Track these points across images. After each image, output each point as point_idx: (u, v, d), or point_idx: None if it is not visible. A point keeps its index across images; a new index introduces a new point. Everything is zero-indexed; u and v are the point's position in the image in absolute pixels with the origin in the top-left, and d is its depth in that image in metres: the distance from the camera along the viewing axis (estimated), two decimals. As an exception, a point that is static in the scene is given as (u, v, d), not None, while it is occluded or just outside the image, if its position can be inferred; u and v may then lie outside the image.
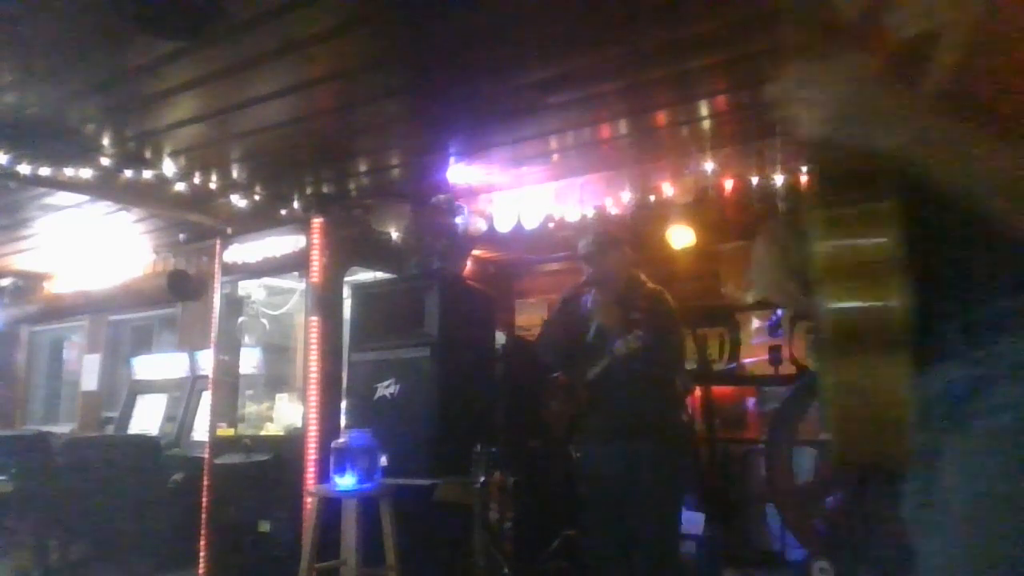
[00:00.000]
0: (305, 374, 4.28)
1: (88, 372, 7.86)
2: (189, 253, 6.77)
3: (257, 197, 5.13)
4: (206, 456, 4.62)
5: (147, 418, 6.41)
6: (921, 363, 0.99)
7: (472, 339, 4.30)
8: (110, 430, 6.69)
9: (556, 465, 4.07)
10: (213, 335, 4.87)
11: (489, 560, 3.47)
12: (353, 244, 4.64)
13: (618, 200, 4.76)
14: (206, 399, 5.18)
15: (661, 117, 4.12)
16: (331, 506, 3.62)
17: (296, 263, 4.47)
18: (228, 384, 4.84)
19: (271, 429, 4.64)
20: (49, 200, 5.41)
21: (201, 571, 4.51)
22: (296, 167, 4.83)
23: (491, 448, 3.58)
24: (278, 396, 4.84)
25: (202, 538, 4.52)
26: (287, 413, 4.68)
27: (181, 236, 6.50)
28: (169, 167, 4.64)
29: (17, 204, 5.55)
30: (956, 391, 1.01)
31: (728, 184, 4.46)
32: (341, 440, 3.61)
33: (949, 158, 0.96)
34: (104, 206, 5.56)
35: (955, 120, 0.97)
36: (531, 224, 5.05)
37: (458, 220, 4.80)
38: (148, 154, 4.53)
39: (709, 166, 4.35)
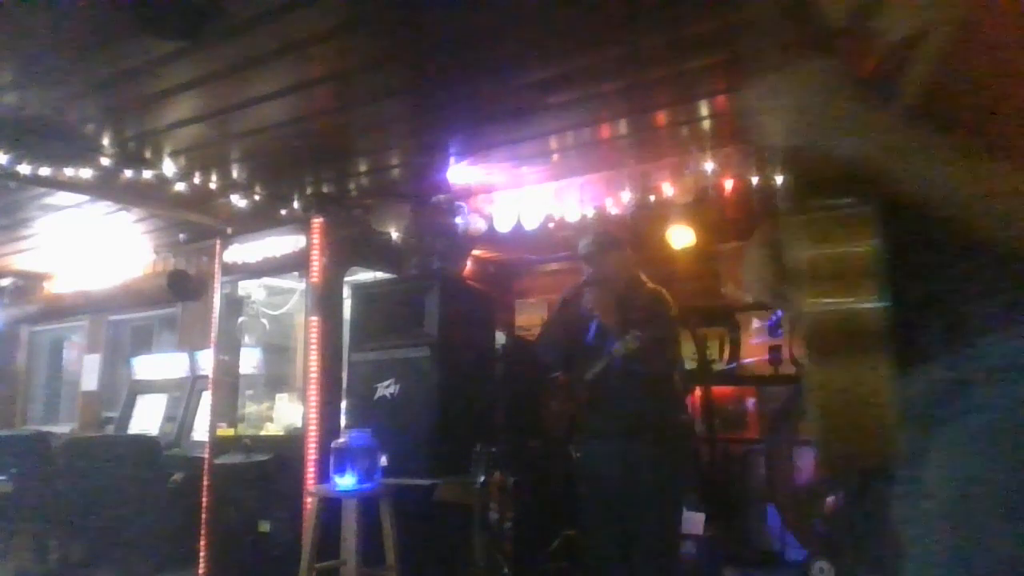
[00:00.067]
0: (305, 374, 4.28)
1: (88, 372, 7.86)
2: (189, 253, 6.77)
3: (257, 197, 5.13)
4: (206, 456, 4.62)
5: (147, 418, 6.41)
6: (904, 365, 1.00)
7: (472, 339, 4.30)
8: (110, 430, 6.69)
9: (556, 465, 4.06)
10: (213, 335, 4.87)
11: (489, 560, 3.47)
12: (353, 244, 4.64)
13: (618, 200, 4.76)
14: (206, 399, 5.18)
15: (661, 117, 4.12)
16: (331, 506, 3.62)
17: (296, 263, 4.47)
18: (228, 384, 4.84)
19: (271, 429, 4.64)
20: (49, 200, 5.41)
21: (201, 571, 4.51)
22: (296, 167, 4.83)
23: (491, 448, 3.58)
24: (278, 396, 4.84)
25: (202, 538, 4.53)
26: (287, 413, 4.68)
27: (181, 236, 6.50)
28: (169, 167, 4.64)
29: (17, 204, 5.55)
30: (937, 393, 1.02)
31: (728, 184, 4.46)
32: (341, 440, 3.61)
33: (912, 168, 0.98)
34: (104, 206, 5.56)
35: (921, 131, 0.99)
36: (531, 224, 5.05)
37: (458, 220, 4.80)
38: (148, 154, 4.53)
39: (709, 166, 4.35)
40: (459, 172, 4.80)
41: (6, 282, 8.16)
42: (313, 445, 4.11)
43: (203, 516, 4.54)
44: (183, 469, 5.25)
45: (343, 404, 4.35)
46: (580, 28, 3.16)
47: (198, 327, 6.50)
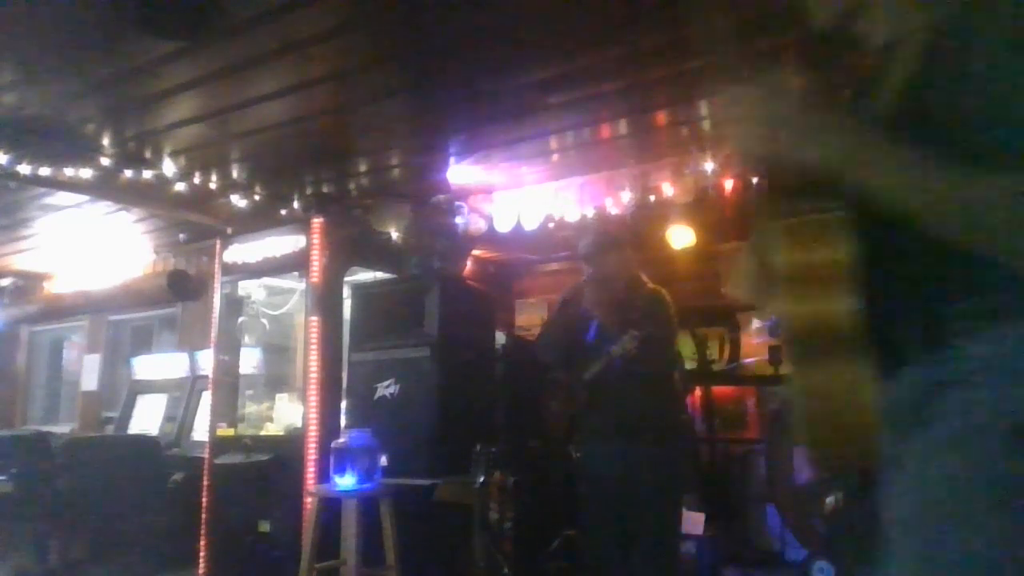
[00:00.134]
0: (305, 374, 4.28)
1: (88, 372, 7.86)
2: (189, 253, 6.77)
3: (257, 197, 5.13)
4: (206, 456, 4.63)
5: (147, 418, 6.41)
6: (884, 368, 1.02)
7: (472, 339, 4.30)
8: (110, 430, 6.69)
9: (556, 465, 4.06)
10: (213, 335, 4.88)
11: (489, 560, 3.48)
12: (353, 244, 4.64)
13: (618, 200, 4.76)
14: (206, 399, 5.18)
15: (661, 117, 4.12)
16: (331, 506, 3.62)
17: (296, 263, 4.47)
18: (228, 384, 4.84)
19: (271, 429, 4.64)
20: (49, 200, 5.41)
21: (201, 571, 4.51)
22: (296, 167, 4.83)
23: (491, 448, 3.58)
24: (278, 396, 4.85)
25: (202, 538, 4.53)
26: (287, 413, 4.68)
27: (181, 236, 6.50)
28: (169, 167, 4.64)
29: (17, 204, 5.55)
30: (916, 396, 1.03)
31: (728, 184, 4.46)
32: (341, 440, 3.61)
33: (875, 176, 1.00)
34: (104, 206, 5.56)
35: (885, 140, 1.01)
36: (531, 224, 5.05)
37: (458, 220, 4.80)
38: (148, 154, 4.53)
39: (709, 166, 4.35)
40: (459, 172, 4.80)
41: (6, 282, 8.16)
42: (313, 445, 4.11)
43: (203, 516, 4.54)
44: (183, 469, 5.25)
45: (343, 404, 4.35)
46: (580, 28, 3.16)
47: (198, 327, 6.50)
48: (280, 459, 4.25)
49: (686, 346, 5.29)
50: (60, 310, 8.13)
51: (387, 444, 3.67)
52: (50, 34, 3.19)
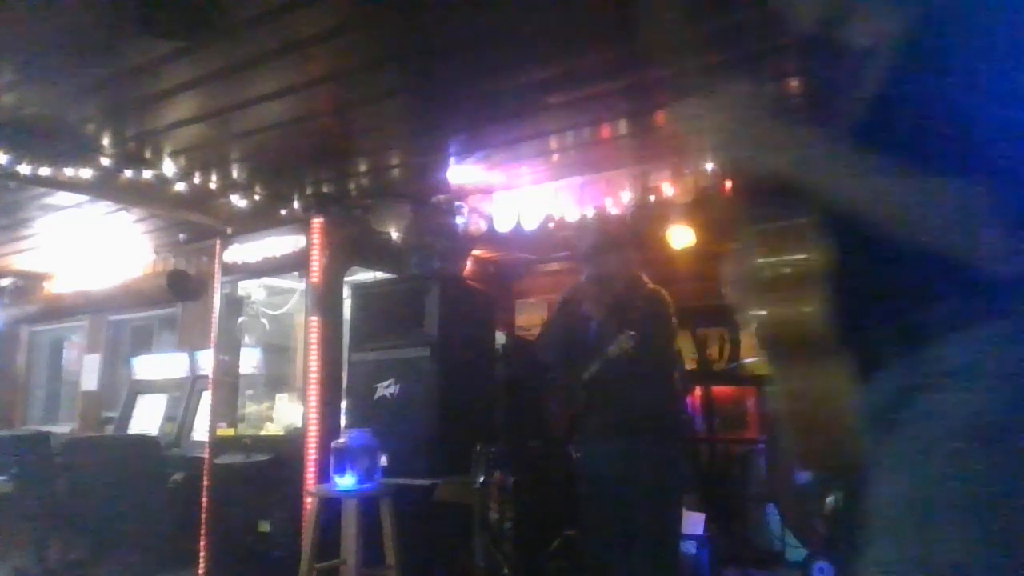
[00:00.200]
0: (305, 374, 4.28)
1: (88, 372, 7.86)
2: (189, 253, 6.77)
3: (257, 197, 5.13)
4: (206, 456, 4.63)
5: (147, 418, 6.41)
6: (860, 372, 1.04)
7: (472, 339, 4.30)
8: (110, 430, 6.69)
9: (556, 465, 4.06)
10: (213, 335, 4.88)
11: (489, 560, 3.47)
12: (353, 244, 4.65)
13: (618, 200, 4.75)
14: (206, 399, 5.18)
15: (661, 117, 4.12)
16: (331, 506, 3.62)
17: (296, 263, 4.47)
18: (228, 384, 4.84)
19: (271, 429, 4.64)
20: (49, 200, 5.41)
21: (201, 571, 4.51)
22: (296, 167, 4.83)
23: (491, 448, 3.58)
24: (278, 396, 4.84)
25: (202, 538, 4.53)
26: (287, 413, 4.68)
27: (181, 236, 6.50)
28: (169, 167, 4.64)
29: (17, 204, 5.55)
30: (893, 398, 1.04)
31: (728, 184, 4.45)
32: (341, 440, 3.61)
33: (835, 183, 1.03)
34: (104, 206, 5.56)
35: (844, 148, 1.04)
36: (531, 224, 5.05)
37: (458, 220, 4.80)
38: (148, 154, 4.53)
39: (709, 166, 4.34)
40: (459, 172, 4.80)
41: (6, 282, 8.16)
42: (313, 445, 4.11)
43: (203, 516, 4.54)
44: (183, 469, 5.25)
45: (343, 404, 4.35)
46: (580, 28, 3.16)
47: (198, 327, 6.50)
48: (280, 459, 4.25)
49: (686, 346, 5.29)
50: (60, 310, 8.13)
51: (387, 444, 3.67)
52: (50, 34, 3.19)
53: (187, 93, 3.72)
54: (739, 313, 1.15)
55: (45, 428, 6.90)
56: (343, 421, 4.30)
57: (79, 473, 5.07)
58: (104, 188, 4.89)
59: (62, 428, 7.51)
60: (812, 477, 4.51)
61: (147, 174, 4.63)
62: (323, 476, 3.88)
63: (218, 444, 4.60)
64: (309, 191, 5.16)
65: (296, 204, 5.23)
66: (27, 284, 8.23)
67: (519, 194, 5.10)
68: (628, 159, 4.62)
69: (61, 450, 5.29)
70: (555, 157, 4.63)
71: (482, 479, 3.48)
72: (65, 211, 5.70)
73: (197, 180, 4.84)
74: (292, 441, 4.25)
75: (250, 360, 5.14)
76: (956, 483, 0.94)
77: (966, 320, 0.97)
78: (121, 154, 4.47)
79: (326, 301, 4.33)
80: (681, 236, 5.24)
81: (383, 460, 3.63)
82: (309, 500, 3.82)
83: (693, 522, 4.34)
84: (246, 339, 5.04)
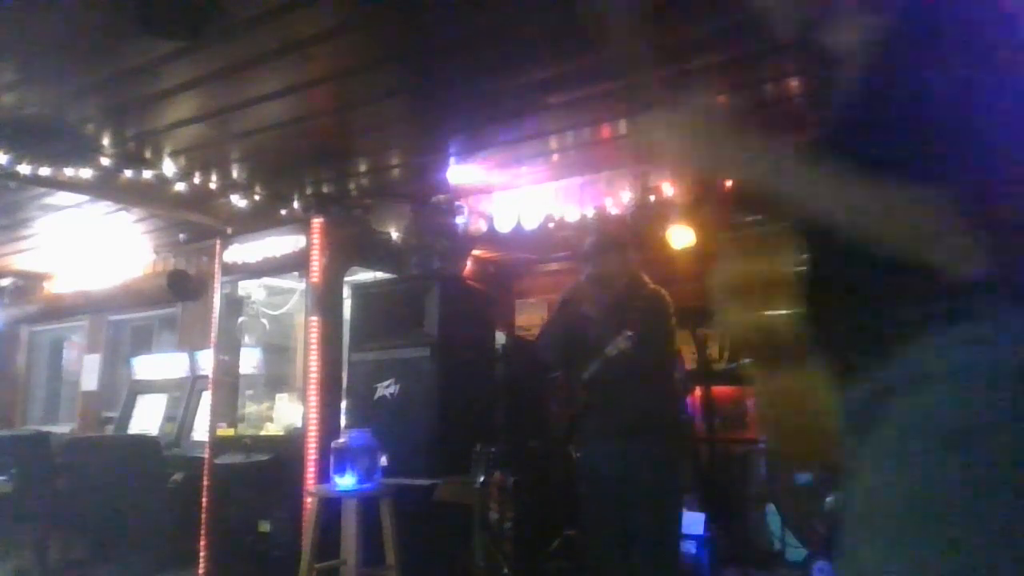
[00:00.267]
0: (305, 374, 4.28)
1: (88, 372, 7.86)
2: (189, 253, 6.77)
3: (257, 197, 5.12)
4: (206, 456, 4.63)
5: (147, 418, 6.41)
6: (837, 376, 1.05)
7: (472, 339, 4.30)
8: (110, 430, 6.69)
9: (556, 465, 4.07)
10: (213, 335, 4.88)
11: (489, 560, 3.47)
12: (353, 244, 4.65)
13: (618, 200, 4.75)
14: (206, 399, 5.18)
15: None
16: (331, 506, 3.62)
17: (296, 263, 4.48)
18: (228, 384, 4.84)
19: (271, 429, 4.64)
20: (49, 200, 5.41)
21: (201, 571, 4.51)
22: (296, 167, 4.83)
23: (491, 448, 3.58)
24: (278, 396, 4.85)
25: (202, 538, 4.53)
26: (287, 413, 4.68)
27: (181, 236, 6.50)
28: (169, 167, 4.64)
29: (17, 204, 5.54)
30: (865, 402, 1.04)
31: (729, 184, 4.44)
32: (341, 440, 3.61)
33: (797, 191, 1.04)
34: (104, 206, 5.56)
35: (804, 157, 1.05)
36: (531, 224, 5.05)
37: (458, 220, 4.80)
38: (148, 154, 4.53)
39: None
40: (459, 172, 4.80)
41: (6, 282, 8.16)
42: (313, 445, 4.11)
43: (203, 516, 4.54)
44: (183, 469, 5.25)
45: (343, 404, 4.35)
46: (580, 28, 3.15)
47: (198, 327, 6.50)
48: (280, 459, 4.25)
49: (686, 346, 5.28)
50: (60, 310, 8.13)
51: (387, 444, 3.67)
52: (50, 34, 3.19)
53: (187, 93, 3.72)
54: (716, 318, 1.16)
55: (45, 428, 6.90)
56: (343, 421, 4.30)
57: (79, 473, 5.07)
58: (104, 188, 4.90)
59: (62, 428, 7.51)
60: (812, 477, 4.51)
61: (147, 174, 4.63)
62: (323, 476, 3.88)
63: (218, 444, 4.60)
64: (309, 191, 5.16)
65: (296, 204, 5.22)
66: (27, 284, 8.23)
67: (519, 194, 5.10)
68: (628, 159, 4.62)
69: (61, 450, 5.29)
70: (555, 157, 4.63)
71: (482, 479, 3.48)
72: (65, 211, 5.70)
73: (197, 180, 4.84)
74: (292, 441, 4.25)
75: (250, 360, 5.14)
76: (928, 487, 0.94)
77: (936, 323, 0.98)
78: (121, 154, 4.47)
79: (326, 301, 4.33)
80: (681, 236, 5.24)
81: (383, 460, 3.64)
82: (309, 500, 3.82)
83: (693, 522, 4.34)
84: (246, 339, 5.04)
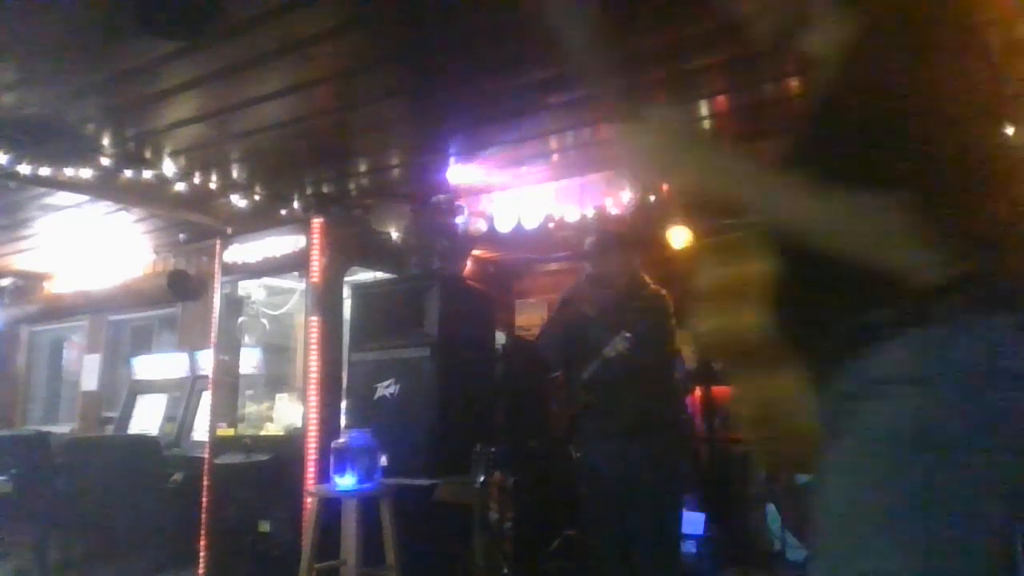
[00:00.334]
0: (305, 374, 4.28)
1: (88, 372, 7.86)
2: (189, 253, 6.77)
3: (257, 197, 5.13)
4: (206, 456, 4.62)
5: (147, 418, 6.41)
6: (811, 380, 1.07)
7: (472, 339, 4.30)
8: (110, 430, 6.69)
9: (556, 465, 4.06)
10: (213, 335, 4.87)
11: (489, 560, 3.47)
12: (353, 244, 4.64)
13: (618, 200, 4.75)
14: (206, 399, 5.18)
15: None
16: (331, 506, 3.62)
17: (296, 263, 4.47)
18: (228, 384, 4.84)
19: (271, 429, 4.64)
20: (49, 200, 5.41)
21: (201, 571, 4.51)
22: (296, 167, 4.83)
23: (491, 448, 3.58)
24: (278, 396, 4.84)
25: (202, 538, 4.52)
26: (287, 413, 4.68)
27: (181, 236, 6.50)
28: (169, 167, 4.64)
29: (17, 204, 5.55)
30: (834, 408, 1.05)
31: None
32: (341, 440, 3.61)
33: (759, 200, 1.07)
34: (104, 206, 5.56)
35: (763, 167, 1.07)
36: (531, 224, 5.05)
37: (458, 220, 4.80)
38: (148, 154, 4.53)
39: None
40: (459, 172, 4.80)
41: (6, 282, 8.16)
42: (313, 445, 4.11)
43: (203, 516, 4.54)
44: (183, 469, 5.25)
45: (343, 404, 4.35)
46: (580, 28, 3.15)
47: (198, 327, 6.50)
48: (280, 459, 4.25)
49: (686, 346, 5.28)
50: (60, 310, 8.13)
51: (387, 444, 3.67)
52: (50, 34, 3.19)
53: (187, 93, 3.72)
54: (688, 322, 1.18)
55: (45, 428, 6.90)
56: (343, 421, 4.29)
57: (79, 473, 5.06)
58: (104, 188, 4.90)
59: (62, 428, 7.51)
60: (812, 477, 4.51)
61: (147, 174, 4.64)
62: (323, 476, 3.88)
63: (218, 444, 4.60)
64: (309, 191, 5.16)
65: (296, 204, 5.23)
66: (27, 284, 8.23)
67: (519, 194, 5.10)
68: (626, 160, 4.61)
69: (61, 450, 5.29)
70: (555, 157, 4.63)
71: (482, 479, 3.48)
72: (65, 211, 5.71)
73: (197, 180, 4.84)
74: (292, 441, 4.25)
75: (250, 360, 5.14)
76: (888, 492, 0.95)
77: (898, 329, 0.98)
78: (121, 154, 4.47)
79: (326, 301, 4.33)
80: (681, 236, 5.24)
81: (383, 460, 3.63)
82: (309, 500, 3.82)
83: (693, 522, 4.34)
84: (246, 339, 5.04)
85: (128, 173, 4.60)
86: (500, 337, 4.79)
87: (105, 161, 4.49)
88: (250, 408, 4.92)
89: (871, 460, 0.98)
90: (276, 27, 3.10)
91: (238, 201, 5.11)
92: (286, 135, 4.25)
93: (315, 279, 4.32)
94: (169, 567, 5.01)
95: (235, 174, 4.89)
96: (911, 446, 0.94)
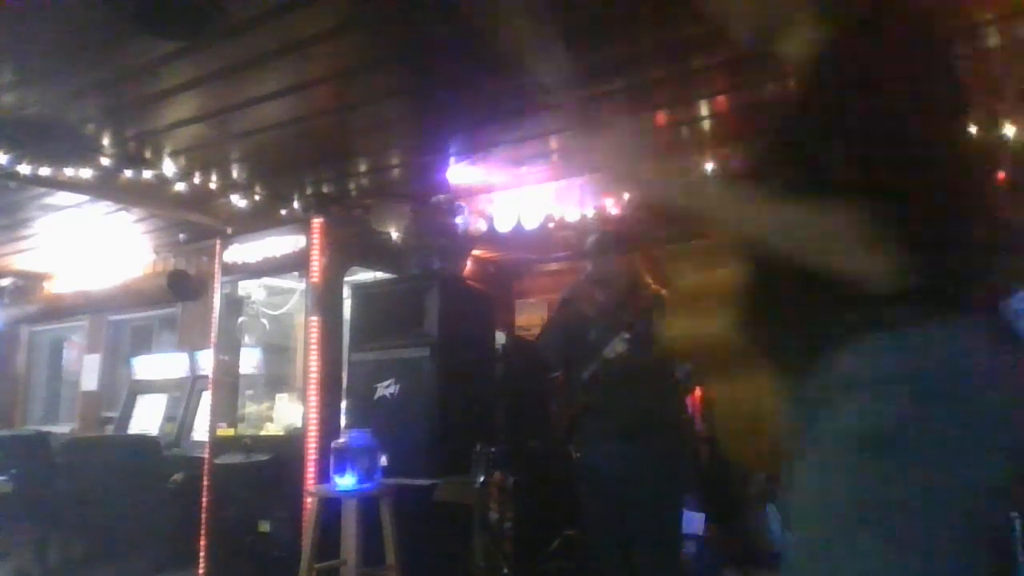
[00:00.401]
0: (305, 374, 4.28)
1: (88, 372, 7.86)
2: (189, 253, 6.77)
3: (257, 197, 5.13)
4: (206, 456, 4.62)
5: (147, 418, 6.41)
6: (780, 384, 1.08)
7: (472, 339, 4.30)
8: (110, 430, 6.69)
9: (556, 465, 4.06)
10: (213, 335, 4.87)
11: (489, 560, 3.47)
12: (353, 244, 4.64)
13: (618, 200, 4.75)
14: (206, 399, 5.18)
15: (661, 117, 4.11)
16: (331, 506, 3.62)
17: (296, 263, 4.47)
18: (228, 384, 4.84)
19: (271, 429, 4.64)
20: (49, 200, 5.41)
21: (201, 571, 4.51)
22: (296, 167, 4.83)
23: (491, 448, 3.58)
24: (278, 396, 4.84)
25: (202, 538, 4.52)
26: (287, 413, 4.68)
27: (181, 236, 6.50)
28: (169, 167, 4.64)
29: (17, 204, 5.55)
30: (797, 413, 1.07)
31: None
32: (341, 440, 3.61)
33: (720, 212, 1.09)
34: (104, 206, 5.56)
35: (725, 179, 1.11)
36: (531, 224, 5.05)
37: (458, 220, 4.80)
38: (148, 154, 4.53)
39: (709, 166, 4.34)
40: (459, 172, 4.80)
41: (6, 282, 8.16)
42: (313, 445, 4.11)
43: (203, 516, 4.54)
44: (183, 469, 5.25)
45: (343, 404, 4.35)
46: (580, 28, 3.16)
47: (198, 327, 6.50)
48: (280, 459, 4.25)
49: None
50: (60, 310, 8.13)
51: (387, 444, 3.67)
52: (50, 34, 3.19)
53: (187, 93, 3.72)
54: (661, 328, 1.19)
55: (45, 428, 6.90)
56: (343, 421, 4.29)
57: (79, 473, 5.06)
58: (104, 188, 4.90)
59: (62, 428, 7.52)
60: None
61: (147, 174, 4.64)
62: (323, 476, 3.88)
63: (218, 444, 4.60)
64: (309, 191, 5.16)
65: (296, 204, 5.23)
66: (27, 284, 8.23)
67: (519, 194, 5.10)
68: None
69: (61, 450, 5.29)
70: (555, 157, 4.63)
71: (482, 479, 3.48)
72: (65, 211, 5.71)
73: (197, 180, 4.84)
74: (292, 441, 4.25)
75: (250, 360, 5.14)
76: (849, 493, 0.96)
77: (863, 332, 0.99)
78: (121, 154, 4.47)
79: (326, 301, 4.33)
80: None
81: (383, 460, 3.63)
82: (309, 500, 3.82)
83: (693, 522, 4.33)
84: (246, 339, 5.04)
85: (128, 173, 4.60)
86: (500, 337, 4.79)
87: (105, 161, 4.48)
88: (250, 408, 4.92)
89: (831, 462, 0.99)
90: (276, 27, 3.10)
91: (238, 201, 5.11)
92: (286, 135, 4.25)
93: (315, 279, 4.32)
94: (169, 567, 5.01)
95: (235, 174, 4.89)
96: (870, 449, 0.95)
